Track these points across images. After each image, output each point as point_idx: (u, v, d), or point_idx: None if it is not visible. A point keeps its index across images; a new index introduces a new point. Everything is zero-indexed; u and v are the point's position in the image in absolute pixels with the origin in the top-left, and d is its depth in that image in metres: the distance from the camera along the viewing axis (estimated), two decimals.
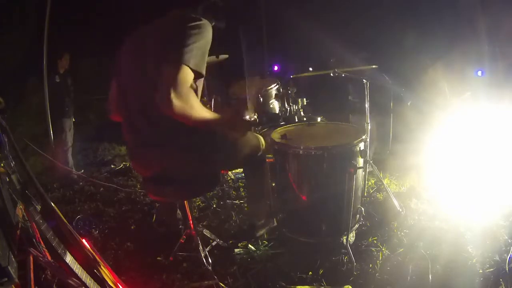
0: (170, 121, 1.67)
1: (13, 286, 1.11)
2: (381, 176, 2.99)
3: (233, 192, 3.21)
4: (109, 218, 2.90)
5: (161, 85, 1.45)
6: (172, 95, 1.42)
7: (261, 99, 2.85)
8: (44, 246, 1.39)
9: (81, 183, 3.91)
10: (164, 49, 1.53)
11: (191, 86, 1.54)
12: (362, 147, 2.06)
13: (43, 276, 1.70)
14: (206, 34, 1.58)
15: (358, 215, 2.21)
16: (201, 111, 1.56)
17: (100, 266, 1.54)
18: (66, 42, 4.71)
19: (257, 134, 2.18)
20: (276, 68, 6.44)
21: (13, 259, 1.14)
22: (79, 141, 4.88)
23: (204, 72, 1.58)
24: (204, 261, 2.01)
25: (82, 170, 4.48)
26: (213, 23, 1.76)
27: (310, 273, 1.96)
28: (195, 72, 1.52)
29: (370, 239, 2.26)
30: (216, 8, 1.80)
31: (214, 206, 2.95)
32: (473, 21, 4.74)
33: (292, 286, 1.85)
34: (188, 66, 1.48)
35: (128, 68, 1.79)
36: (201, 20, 1.58)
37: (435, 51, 4.36)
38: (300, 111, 3.04)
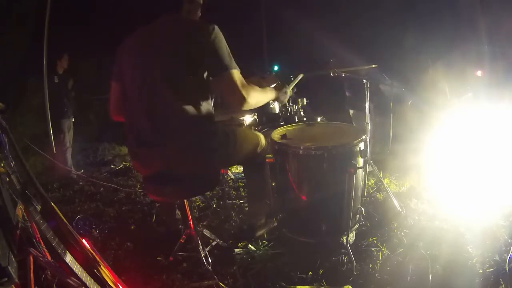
0: (172, 121, 1.69)
1: (13, 286, 1.11)
2: (381, 176, 2.99)
3: (233, 192, 3.21)
4: (109, 218, 2.90)
5: (231, 91, 1.74)
6: (244, 93, 1.73)
7: None
8: (44, 246, 1.39)
9: (81, 183, 3.91)
10: (197, 58, 1.69)
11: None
12: (362, 147, 2.06)
13: (43, 276, 1.70)
14: (222, 36, 1.76)
15: (358, 215, 2.21)
16: (258, 96, 1.84)
17: (100, 266, 1.54)
18: (66, 42, 4.71)
19: (257, 132, 2.18)
20: (276, 68, 6.44)
21: (13, 259, 1.13)
22: (79, 141, 4.88)
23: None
24: (204, 261, 2.01)
25: (82, 170, 4.48)
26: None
27: (310, 273, 1.96)
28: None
29: (370, 239, 2.25)
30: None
31: (214, 206, 2.95)
32: (473, 21, 4.75)
33: (292, 286, 1.85)
34: (236, 69, 1.73)
35: (130, 69, 1.79)
36: (214, 27, 1.72)
37: (435, 51, 4.36)
38: (300, 111, 3.03)
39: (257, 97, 1.83)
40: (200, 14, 1.92)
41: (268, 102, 2.92)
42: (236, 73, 1.73)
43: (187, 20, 1.82)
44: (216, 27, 1.71)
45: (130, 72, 1.79)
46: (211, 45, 1.68)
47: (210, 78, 1.77)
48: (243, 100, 1.73)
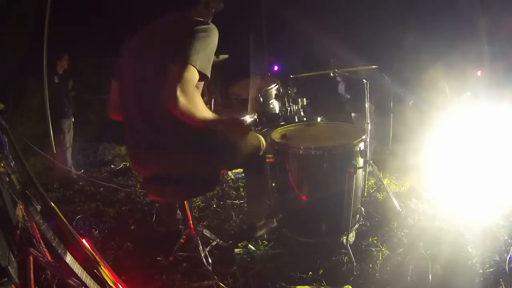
0: (171, 122, 1.68)
1: (13, 286, 1.11)
2: (381, 176, 2.99)
3: (233, 192, 3.21)
4: (109, 218, 2.90)
5: (168, 82, 1.49)
6: (179, 92, 1.45)
7: (261, 99, 2.85)
8: (44, 246, 1.39)
9: (81, 183, 3.91)
10: (171, 50, 1.57)
11: (196, 87, 1.59)
12: (362, 147, 2.06)
13: (43, 276, 1.70)
14: (213, 38, 1.63)
15: (358, 215, 2.21)
16: (204, 111, 1.59)
17: (100, 266, 1.54)
18: (66, 42, 4.71)
19: (257, 134, 2.18)
20: (276, 68, 6.43)
21: (13, 259, 1.13)
22: (79, 141, 4.89)
23: (209, 75, 1.62)
24: (204, 261, 2.01)
25: (82, 170, 4.48)
26: (213, 10, 1.85)
27: (310, 273, 1.96)
28: (200, 73, 1.57)
29: (370, 239, 2.25)
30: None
31: (214, 206, 2.95)
32: (473, 21, 4.75)
33: (292, 286, 1.85)
34: (194, 66, 1.53)
35: (129, 69, 1.80)
36: (208, 24, 1.64)
37: (435, 51, 4.37)
38: (300, 111, 3.03)
39: (197, 111, 1.52)
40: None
41: (268, 102, 2.94)
42: (192, 71, 1.50)
43: (187, 20, 1.73)
44: (212, 25, 1.64)
45: (130, 72, 1.79)
46: (191, 34, 1.55)
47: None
48: (175, 100, 1.44)
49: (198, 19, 1.68)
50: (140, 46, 1.78)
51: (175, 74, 1.49)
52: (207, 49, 1.59)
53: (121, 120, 1.92)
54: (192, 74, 1.52)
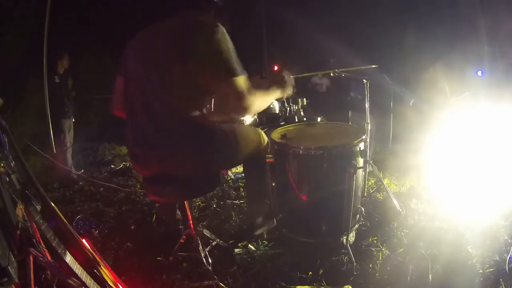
0: (172, 122, 1.69)
1: (13, 286, 1.11)
2: (381, 176, 2.99)
3: (233, 192, 3.21)
4: (109, 218, 2.90)
5: (237, 97, 1.65)
6: (249, 102, 1.66)
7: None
8: (44, 246, 1.39)
9: (81, 183, 3.91)
10: (196, 58, 1.62)
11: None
12: (362, 147, 2.06)
13: (43, 276, 1.70)
14: (228, 37, 1.70)
15: (358, 215, 2.21)
16: (261, 101, 1.81)
17: (100, 266, 1.54)
18: (66, 42, 4.72)
19: (259, 130, 2.16)
20: (276, 68, 6.42)
21: (13, 259, 1.13)
22: (79, 141, 4.89)
23: (245, 72, 1.72)
24: (204, 261, 2.01)
25: (82, 170, 4.48)
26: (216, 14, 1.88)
27: (310, 273, 1.96)
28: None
29: (370, 239, 2.25)
30: (222, 10, 1.88)
31: (214, 206, 2.95)
32: (473, 21, 4.75)
33: (292, 286, 1.85)
34: (243, 74, 1.67)
35: (133, 68, 1.79)
36: (218, 25, 1.67)
37: (435, 51, 4.37)
38: (300, 111, 3.03)
39: (261, 102, 1.80)
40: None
41: None
42: (243, 80, 1.67)
43: (190, 20, 1.73)
44: (220, 26, 1.66)
45: (132, 72, 1.79)
46: (215, 47, 1.62)
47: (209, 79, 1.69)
48: (247, 108, 1.68)
49: (207, 21, 1.70)
50: (146, 46, 1.77)
51: (239, 89, 1.64)
52: (233, 50, 1.67)
53: (121, 119, 1.91)
54: (245, 81, 1.68)
